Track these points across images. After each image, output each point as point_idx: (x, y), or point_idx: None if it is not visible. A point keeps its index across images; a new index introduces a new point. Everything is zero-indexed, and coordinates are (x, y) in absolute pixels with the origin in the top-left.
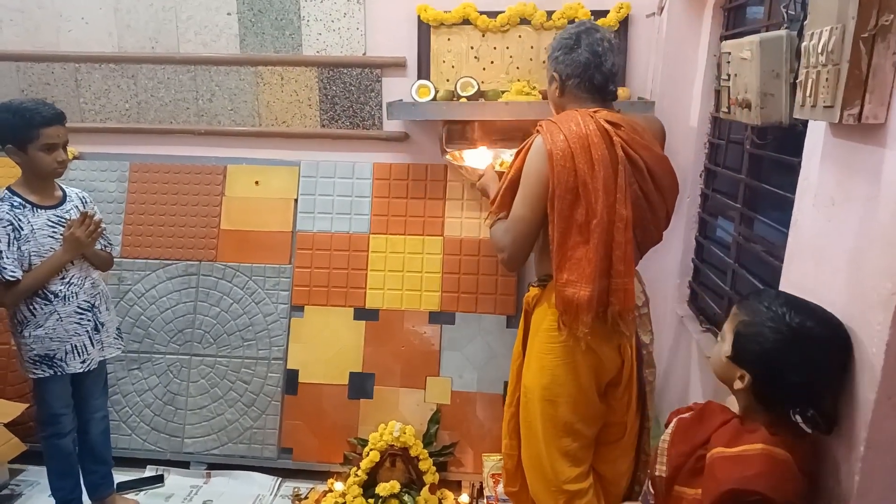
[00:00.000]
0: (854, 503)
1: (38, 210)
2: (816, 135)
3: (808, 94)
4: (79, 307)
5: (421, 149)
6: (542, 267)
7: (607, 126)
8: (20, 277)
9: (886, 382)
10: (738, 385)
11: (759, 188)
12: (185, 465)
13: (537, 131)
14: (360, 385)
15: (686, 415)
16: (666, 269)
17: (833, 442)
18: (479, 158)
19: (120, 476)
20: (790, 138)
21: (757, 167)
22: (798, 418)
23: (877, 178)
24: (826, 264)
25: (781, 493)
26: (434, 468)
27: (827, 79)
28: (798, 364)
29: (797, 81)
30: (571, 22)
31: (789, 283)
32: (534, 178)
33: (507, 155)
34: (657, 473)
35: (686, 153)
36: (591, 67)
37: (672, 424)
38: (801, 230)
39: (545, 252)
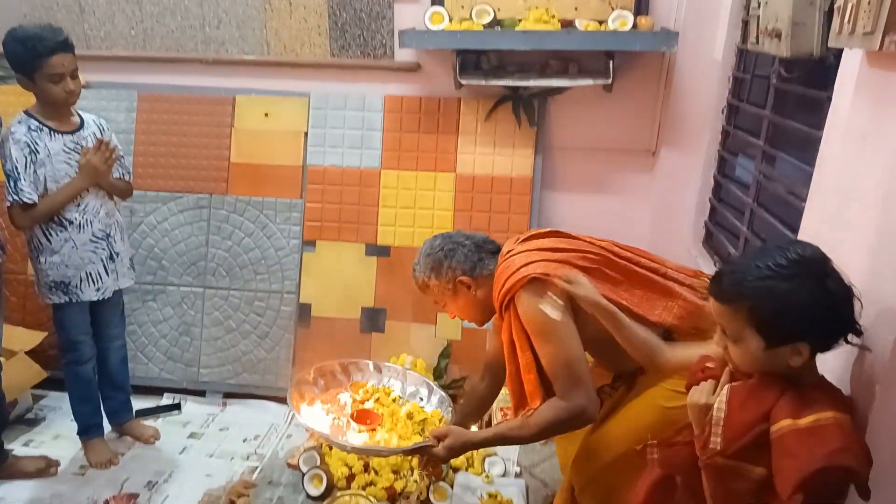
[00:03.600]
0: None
1: (56, 134)
2: (851, 65)
3: (846, 20)
4: (94, 235)
5: (433, 80)
6: (622, 363)
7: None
8: (36, 201)
9: None
10: (796, 361)
11: (783, 125)
12: (201, 393)
13: (509, 300)
14: (373, 319)
15: (738, 383)
16: (681, 207)
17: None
18: (316, 419)
19: (138, 403)
20: (819, 72)
21: (782, 103)
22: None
23: None
24: (853, 201)
25: (863, 463)
26: None
27: (868, 3)
28: (832, 291)
29: (835, 7)
30: None
31: (812, 221)
32: (555, 319)
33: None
34: (711, 446)
35: (709, 88)
36: (471, 241)
37: (725, 392)
38: (829, 166)
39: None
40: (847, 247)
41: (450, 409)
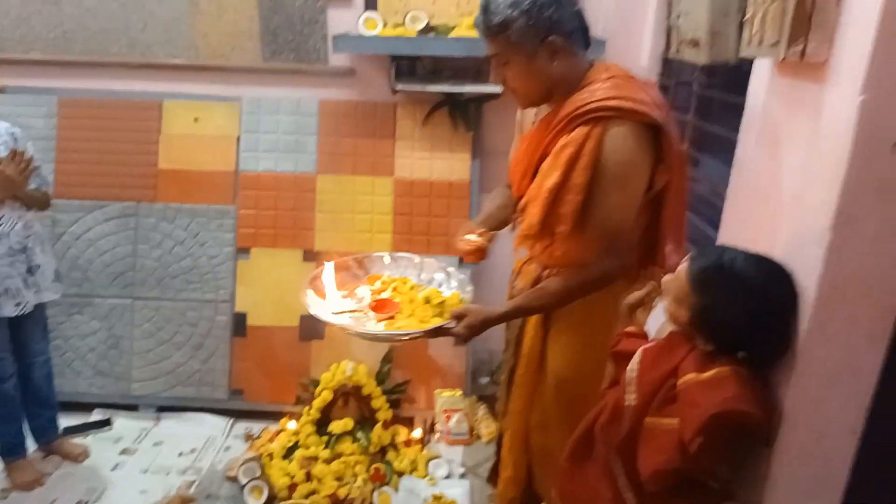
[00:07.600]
0: (786, 425)
1: None
2: (762, 73)
3: (754, 31)
4: (10, 248)
5: (369, 85)
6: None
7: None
8: None
9: (818, 313)
10: (703, 346)
11: (705, 129)
12: (133, 408)
13: (600, 116)
14: (312, 326)
15: (650, 344)
16: None
17: (771, 371)
18: (328, 303)
19: (67, 420)
20: (737, 78)
21: (704, 109)
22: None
23: (818, 116)
24: (768, 202)
25: (760, 409)
26: (387, 405)
27: (773, 16)
28: (758, 322)
29: (745, 19)
30: None
31: (730, 221)
32: (638, 169)
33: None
34: (627, 403)
35: None
36: (579, 12)
37: (638, 354)
38: (745, 168)
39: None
40: (762, 245)
41: (468, 290)
